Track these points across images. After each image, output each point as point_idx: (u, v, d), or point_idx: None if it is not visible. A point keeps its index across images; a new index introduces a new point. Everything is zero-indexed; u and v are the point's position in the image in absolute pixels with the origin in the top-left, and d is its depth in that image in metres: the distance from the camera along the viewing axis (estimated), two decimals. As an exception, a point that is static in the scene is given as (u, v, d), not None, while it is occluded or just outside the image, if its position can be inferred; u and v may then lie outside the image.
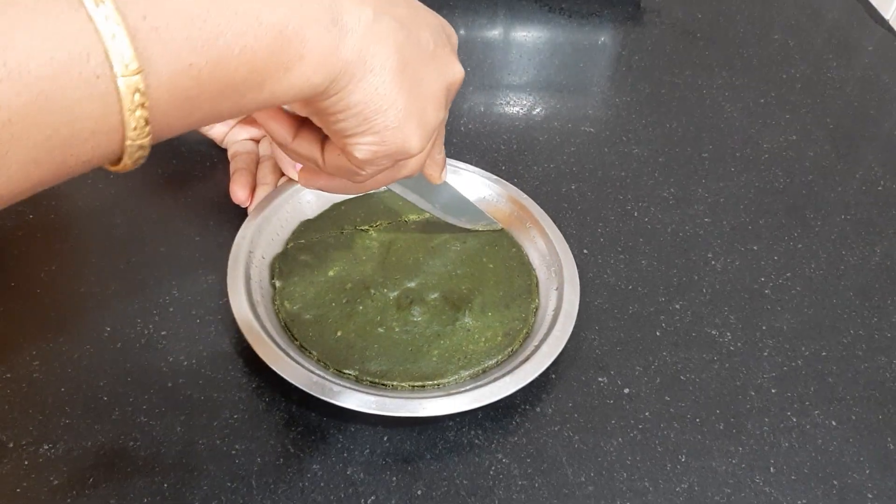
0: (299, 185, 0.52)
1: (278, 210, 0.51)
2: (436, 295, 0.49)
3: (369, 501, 0.40)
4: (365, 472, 0.41)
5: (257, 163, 0.55)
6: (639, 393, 0.47)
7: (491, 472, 0.42)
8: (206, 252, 0.52)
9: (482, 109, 0.67)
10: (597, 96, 0.71)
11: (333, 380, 0.42)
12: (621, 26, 0.80)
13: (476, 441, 0.43)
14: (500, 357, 0.46)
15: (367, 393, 0.42)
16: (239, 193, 0.52)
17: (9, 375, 0.43)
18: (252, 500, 0.40)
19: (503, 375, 0.43)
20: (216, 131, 0.56)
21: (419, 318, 0.47)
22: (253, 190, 0.52)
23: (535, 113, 0.68)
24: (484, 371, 0.45)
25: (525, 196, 0.55)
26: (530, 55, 0.75)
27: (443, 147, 0.42)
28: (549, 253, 0.51)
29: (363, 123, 0.32)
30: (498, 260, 0.52)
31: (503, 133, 0.64)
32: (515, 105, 0.68)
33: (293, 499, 0.40)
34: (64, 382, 0.43)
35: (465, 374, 0.45)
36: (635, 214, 0.58)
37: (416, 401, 0.42)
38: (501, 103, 0.68)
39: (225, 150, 0.58)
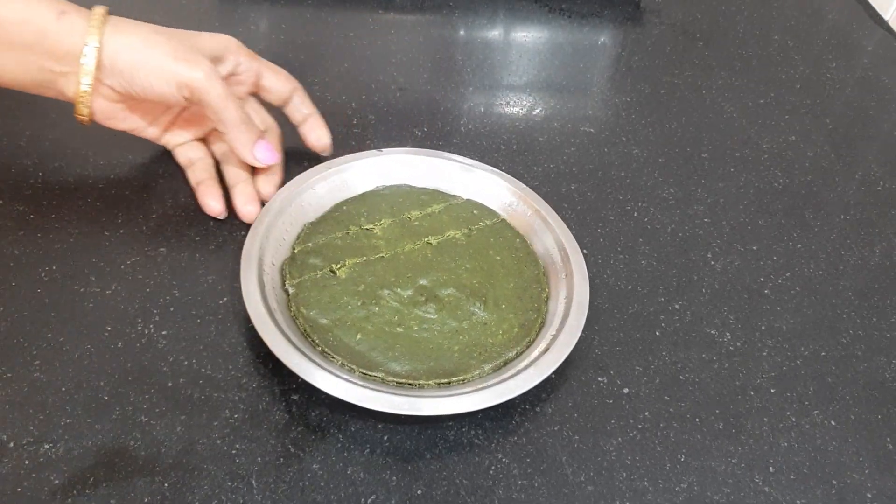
0: (299, 189, 0.53)
1: (281, 214, 0.51)
2: (449, 291, 0.49)
3: (369, 501, 0.40)
4: (365, 471, 0.41)
5: (214, 165, 0.55)
6: (638, 393, 0.47)
7: (491, 472, 0.42)
8: (206, 252, 0.52)
9: (482, 109, 0.67)
10: (597, 96, 0.71)
11: (362, 384, 0.42)
12: (621, 26, 0.80)
13: (476, 441, 0.43)
14: (518, 348, 0.47)
15: (399, 395, 0.42)
16: (213, 206, 0.52)
17: (9, 375, 0.43)
18: (252, 500, 0.40)
19: (527, 367, 0.44)
20: (150, 133, 0.55)
21: (435, 316, 0.47)
22: (222, 199, 0.53)
23: (535, 113, 0.68)
24: (505, 363, 0.46)
25: (524, 186, 0.55)
26: (530, 55, 0.75)
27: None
28: (553, 242, 0.52)
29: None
30: (504, 252, 0.52)
31: (503, 133, 0.65)
32: (515, 105, 0.68)
33: (293, 499, 0.40)
34: (64, 382, 0.43)
35: (487, 367, 0.45)
36: (635, 214, 0.58)
37: (448, 398, 0.42)
38: (501, 103, 0.68)
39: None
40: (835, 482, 0.43)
